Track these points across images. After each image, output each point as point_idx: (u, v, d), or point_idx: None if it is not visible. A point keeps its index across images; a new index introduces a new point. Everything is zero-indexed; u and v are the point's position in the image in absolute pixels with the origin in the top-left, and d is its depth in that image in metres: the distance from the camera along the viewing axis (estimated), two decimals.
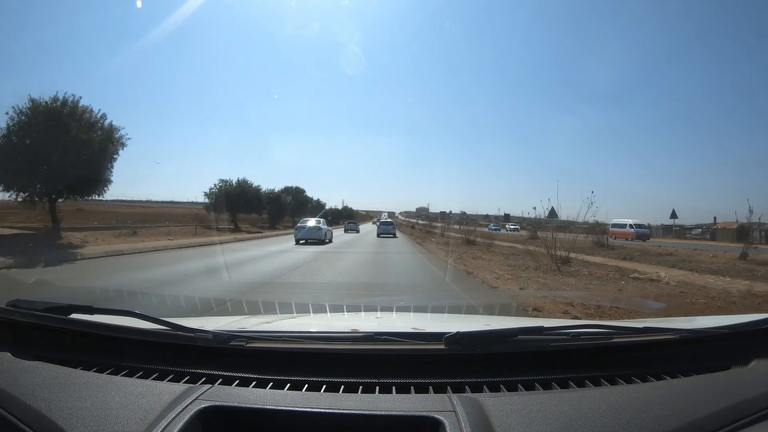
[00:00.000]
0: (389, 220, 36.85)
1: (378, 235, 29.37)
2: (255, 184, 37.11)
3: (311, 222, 21.31)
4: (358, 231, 37.68)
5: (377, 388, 1.06)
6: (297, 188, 52.67)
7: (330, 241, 21.29)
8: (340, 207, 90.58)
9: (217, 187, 34.57)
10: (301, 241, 19.62)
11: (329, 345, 1.22)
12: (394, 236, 29.24)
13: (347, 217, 75.72)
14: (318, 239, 19.88)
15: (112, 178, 17.40)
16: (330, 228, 22.86)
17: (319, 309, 2.88)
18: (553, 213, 14.90)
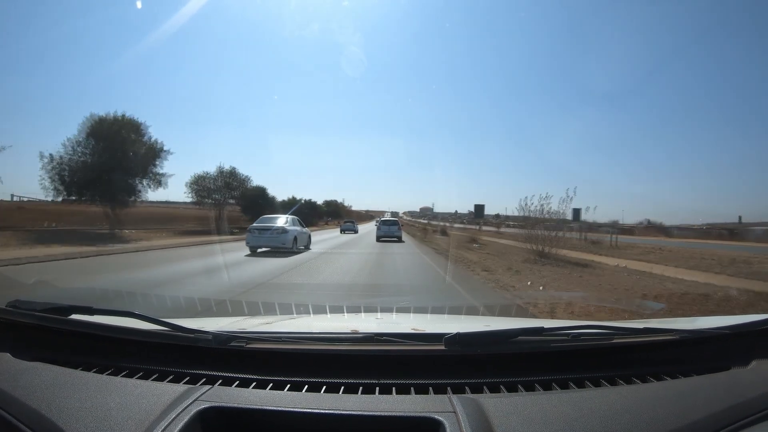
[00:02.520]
0: (393, 219, 27.76)
1: (378, 239, 22.17)
2: None
3: (280, 220, 14.42)
4: (356, 231, 33.02)
5: (377, 388, 1.06)
6: (129, 121, 22.12)
7: (306, 248, 14.99)
8: (318, 201, 62.31)
9: None
10: (259, 250, 13.44)
11: (329, 346, 1.22)
12: (400, 240, 22.22)
13: (332, 215, 62.83)
14: (282, 247, 13.37)
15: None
16: (305, 229, 15.71)
17: (319, 310, 2.88)
18: None
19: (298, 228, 15.00)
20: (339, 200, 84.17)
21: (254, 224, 14.50)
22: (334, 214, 68.39)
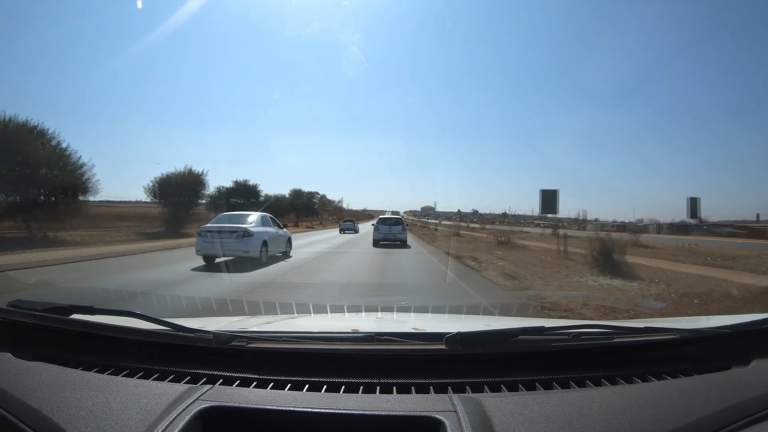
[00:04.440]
0: (395, 216, 22.08)
1: (375, 243, 17.67)
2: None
3: (244, 219, 11.03)
4: (356, 231, 31.64)
5: (378, 388, 1.06)
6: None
7: (285, 254, 11.96)
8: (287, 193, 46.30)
9: None
10: (217, 260, 10.18)
11: (330, 345, 1.22)
12: (405, 243, 18.02)
13: (305, 212, 46.36)
14: (246, 255, 10.03)
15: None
16: (281, 231, 12.36)
17: (320, 309, 2.88)
18: None
19: (271, 229, 11.46)
20: (320, 193, 58.37)
21: (207, 225, 10.92)
22: (307, 210, 48.52)
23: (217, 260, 10.15)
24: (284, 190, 45.56)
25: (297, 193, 48.66)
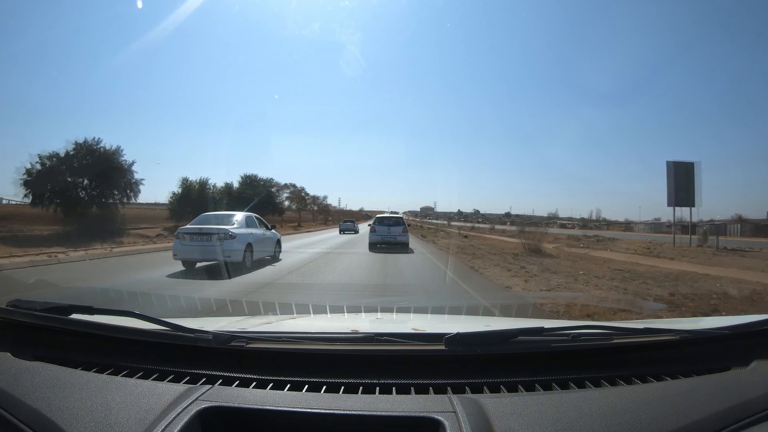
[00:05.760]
0: (395, 215, 18.95)
1: (371, 246, 15.60)
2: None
3: (226, 220, 10.15)
4: (356, 231, 31.41)
5: (377, 388, 1.06)
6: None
7: (273, 258, 11.06)
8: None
9: None
10: (198, 264, 9.32)
11: (329, 346, 1.22)
12: (406, 247, 15.67)
13: (260, 208, 27.65)
14: (228, 260, 8.76)
15: None
16: (269, 233, 11.37)
17: (320, 309, 2.88)
18: None
19: (257, 231, 10.48)
20: (298, 185, 44.15)
21: (186, 226, 9.86)
22: (267, 207, 33.32)
23: (197, 264, 9.30)
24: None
25: (248, 181, 33.78)
